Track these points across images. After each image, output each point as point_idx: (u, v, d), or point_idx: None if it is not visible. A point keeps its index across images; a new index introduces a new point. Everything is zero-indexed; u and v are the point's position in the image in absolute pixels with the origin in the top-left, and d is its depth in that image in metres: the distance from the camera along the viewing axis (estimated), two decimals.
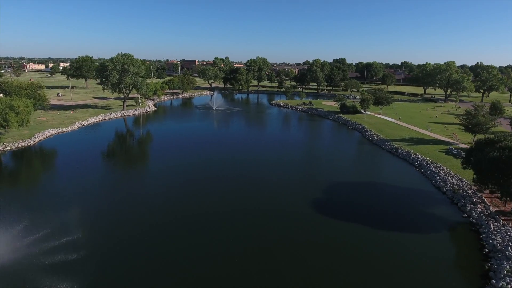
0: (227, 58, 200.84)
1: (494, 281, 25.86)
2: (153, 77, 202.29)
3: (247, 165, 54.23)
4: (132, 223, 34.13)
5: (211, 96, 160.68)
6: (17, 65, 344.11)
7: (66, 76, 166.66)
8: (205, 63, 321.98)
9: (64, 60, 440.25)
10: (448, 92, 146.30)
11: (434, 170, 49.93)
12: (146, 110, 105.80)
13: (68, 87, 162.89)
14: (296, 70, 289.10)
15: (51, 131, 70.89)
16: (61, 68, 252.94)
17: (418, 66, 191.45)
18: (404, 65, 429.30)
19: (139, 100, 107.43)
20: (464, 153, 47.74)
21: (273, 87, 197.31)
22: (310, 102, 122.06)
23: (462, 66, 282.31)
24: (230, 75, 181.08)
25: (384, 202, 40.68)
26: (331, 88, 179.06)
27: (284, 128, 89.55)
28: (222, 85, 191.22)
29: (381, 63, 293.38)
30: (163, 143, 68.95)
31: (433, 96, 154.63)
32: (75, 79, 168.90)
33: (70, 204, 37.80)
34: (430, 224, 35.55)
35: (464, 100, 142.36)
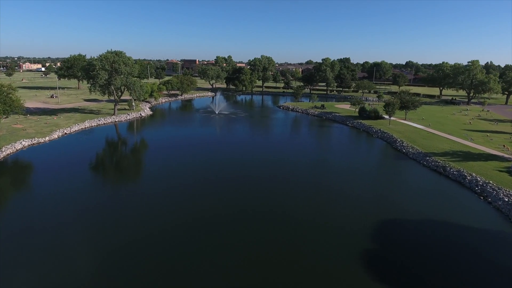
0: (229, 57, 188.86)
1: None
2: (151, 77, 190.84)
3: (259, 187, 42.81)
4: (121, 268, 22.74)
5: (213, 98, 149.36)
6: (13, 64, 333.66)
7: (57, 76, 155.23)
8: (206, 62, 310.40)
9: (62, 60, 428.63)
10: (471, 94, 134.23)
11: (506, 200, 38.24)
12: (141, 114, 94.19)
13: (63, 88, 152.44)
14: (300, 70, 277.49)
15: (23, 143, 59.31)
16: (55, 67, 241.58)
17: (435, 65, 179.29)
18: (410, 64, 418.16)
19: (133, 104, 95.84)
20: None
21: (278, 87, 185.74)
22: (322, 105, 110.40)
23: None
24: (233, 75, 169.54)
25: (454, 262, 28.85)
26: (341, 89, 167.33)
27: (298, 137, 77.90)
28: (224, 85, 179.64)
29: (390, 63, 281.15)
30: (158, 156, 57.33)
31: (453, 98, 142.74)
32: (66, 79, 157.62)
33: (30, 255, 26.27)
34: None
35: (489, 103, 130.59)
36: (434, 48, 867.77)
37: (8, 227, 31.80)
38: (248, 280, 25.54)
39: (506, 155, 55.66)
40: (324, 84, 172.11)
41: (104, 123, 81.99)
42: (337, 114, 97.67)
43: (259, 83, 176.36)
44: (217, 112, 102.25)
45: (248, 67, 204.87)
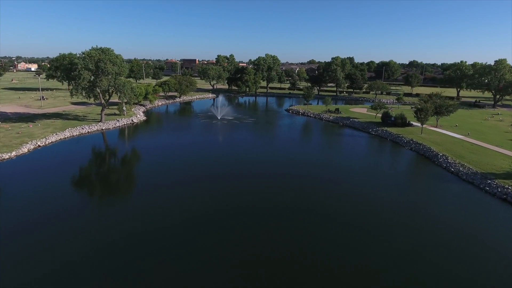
0: (231, 56, 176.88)
1: None
2: (147, 77, 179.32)
3: (278, 222, 31.22)
4: None
5: (214, 100, 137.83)
6: (7, 64, 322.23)
7: (46, 77, 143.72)
8: (206, 62, 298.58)
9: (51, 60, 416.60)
10: (497, 96, 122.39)
11: None
12: (132, 120, 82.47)
13: (52, 90, 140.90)
14: (304, 69, 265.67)
15: None
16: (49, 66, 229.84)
17: (453, 65, 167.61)
18: (415, 64, 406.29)
19: (124, 108, 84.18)
20: None
21: (283, 88, 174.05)
22: (337, 109, 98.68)
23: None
24: (235, 76, 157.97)
25: None
26: (352, 90, 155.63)
27: (316, 150, 66.17)
28: (226, 86, 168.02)
29: (400, 63, 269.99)
30: (150, 178, 45.68)
31: (477, 100, 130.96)
32: (56, 80, 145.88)
33: None
34: None
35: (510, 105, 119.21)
36: (434, 48, 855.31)
37: None
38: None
39: None
40: (331, 84, 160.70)
41: (88, 132, 70.34)
42: (356, 120, 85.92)
43: (263, 83, 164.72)
44: (219, 117, 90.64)
45: (250, 66, 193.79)
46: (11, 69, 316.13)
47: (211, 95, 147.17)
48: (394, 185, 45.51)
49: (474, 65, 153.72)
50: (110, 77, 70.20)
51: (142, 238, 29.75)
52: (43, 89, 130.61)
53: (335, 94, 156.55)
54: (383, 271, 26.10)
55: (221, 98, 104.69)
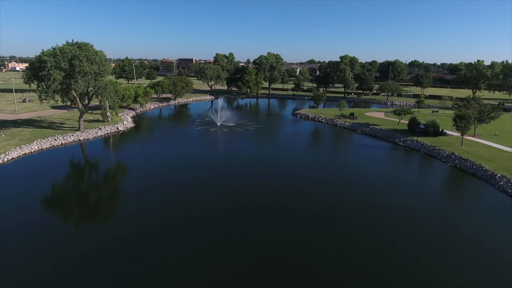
0: (231, 54, 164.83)
1: None
2: (140, 78, 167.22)
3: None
4: None
5: (212, 102, 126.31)
6: None
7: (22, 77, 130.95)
8: (203, 62, 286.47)
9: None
10: None
11: None
12: (118, 128, 70.64)
13: (35, 91, 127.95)
14: (306, 69, 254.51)
15: None
16: None
17: (468, 64, 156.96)
18: (416, 64, 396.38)
19: (108, 114, 72.37)
20: None
21: (286, 89, 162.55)
22: (351, 114, 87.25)
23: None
24: (235, 76, 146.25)
25: None
26: (361, 91, 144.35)
27: (337, 165, 54.71)
28: (225, 87, 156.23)
29: (406, 63, 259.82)
30: (132, 209, 34.10)
31: (501, 103, 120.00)
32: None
33: None
34: None
35: None
36: (434, 48, 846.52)
37: None
38: None
39: None
40: (337, 85, 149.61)
41: (62, 144, 58.48)
42: (377, 127, 74.48)
43: (265, 84, 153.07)
44: (218, 124, 79.05)
45: (250, 65, 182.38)
46: (2, 68, 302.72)
47: (209, 97, 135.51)
48: (450, 221, 34.06)
49: (492, 65, 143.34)
50: (88, 77, 58.30)
51: None
52: (28, 91, 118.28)
53: (342, 95, 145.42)
54: None
55: (220, 101, 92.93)
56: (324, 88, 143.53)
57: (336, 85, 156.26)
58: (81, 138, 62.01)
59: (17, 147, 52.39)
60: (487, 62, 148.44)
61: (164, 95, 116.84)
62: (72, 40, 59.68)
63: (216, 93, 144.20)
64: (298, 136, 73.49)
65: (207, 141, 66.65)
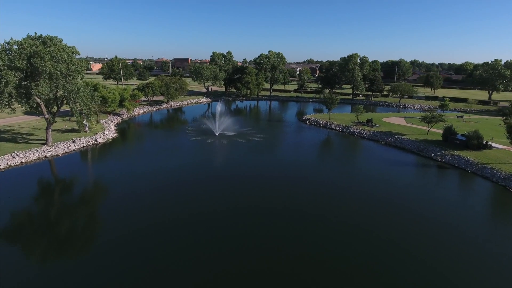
0: (229, 53, 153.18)
1: None
2: (130, 79, 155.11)
3: None
4: None
5: (208, 105, 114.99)
6: None
7: None
8: (199, 61, 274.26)
9: None
10: None
11: None
12: (96, 140, 58.85)
13: None
14: (307, 69, 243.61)
15: None
16: None
17: (485, 64, 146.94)
18: (417, 63, 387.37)
19: (85, 123, 60.56)
20: None
21: (288, 91, 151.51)
22: (369, 120, 76.17)
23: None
24: (234, 76, 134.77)
25: None
26: (371, 93, 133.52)
27: (366, 189, 43.39)
28: (223, 88, 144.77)
29: (412, 62, 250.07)
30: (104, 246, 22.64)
31: None
32: None
33: None
34: None
35: None
36: (434, 48, 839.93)
37: None
38: None
39: None
40: (343, 86, 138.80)
41: (21, 163, 46.70)
42: (403, 137, 63.33)
43: (266, 85, 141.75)
44: (217, 134, 67.62)
45: (248, 64, 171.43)
46: None
47: (205, 100, 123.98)
48: None
49: (510, 64, 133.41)
50: (55, 80, 46.53)
51: None
52: None
53: (350, 98, 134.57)
54: None
55: (219, 106, 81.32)
56: (331, 90, 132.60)
57: (345, 86, 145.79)
58: (47, 154, 50.19)
59: None
60: (485, 61, 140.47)
61: (155, 98, 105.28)
62: (35, 33, 47.87)
63: (213, 95, 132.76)
64: (312, 148, 61.89)
65: (204, 155, 55.14)
